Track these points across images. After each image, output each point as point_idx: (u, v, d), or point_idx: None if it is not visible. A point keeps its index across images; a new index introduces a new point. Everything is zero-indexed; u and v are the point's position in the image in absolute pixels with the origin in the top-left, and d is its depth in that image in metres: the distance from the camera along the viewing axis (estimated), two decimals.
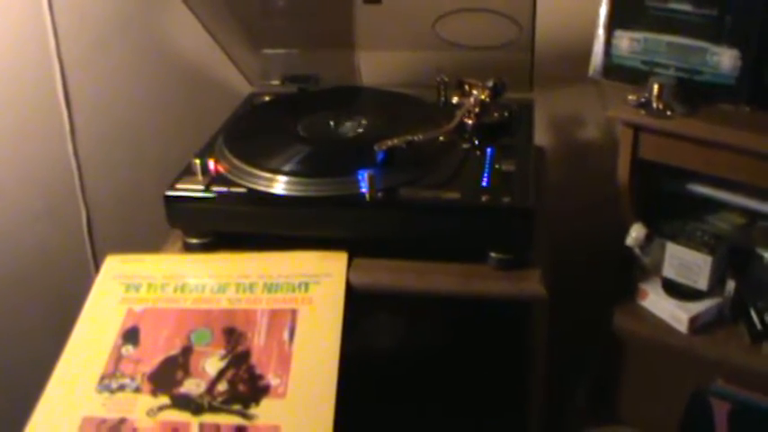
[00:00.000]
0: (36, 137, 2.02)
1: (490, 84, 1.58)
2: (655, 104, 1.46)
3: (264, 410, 1.20)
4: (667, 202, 1.61)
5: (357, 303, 1.34)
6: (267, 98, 1.79)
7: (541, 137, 1.85)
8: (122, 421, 1.21)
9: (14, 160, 2.04)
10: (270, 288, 1.36)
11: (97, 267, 1.71)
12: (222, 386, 1.24)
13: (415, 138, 1.43)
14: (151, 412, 1.21)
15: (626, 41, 1.52)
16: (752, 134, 1.38)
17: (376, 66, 1.84)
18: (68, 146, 2.02)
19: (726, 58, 1.43)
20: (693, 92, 1.47)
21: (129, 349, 1.30)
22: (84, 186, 2.08)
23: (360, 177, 1.36)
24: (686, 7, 1.45)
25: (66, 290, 1.99)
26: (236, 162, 1.45)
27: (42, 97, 1.99)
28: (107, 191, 2.11)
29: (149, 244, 1.51)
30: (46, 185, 2.06)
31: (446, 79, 1.68)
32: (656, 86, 1.46)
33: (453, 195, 1.36)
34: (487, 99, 1.58)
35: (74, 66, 1.98)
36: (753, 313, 1.47)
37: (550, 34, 1.64)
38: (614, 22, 1.53)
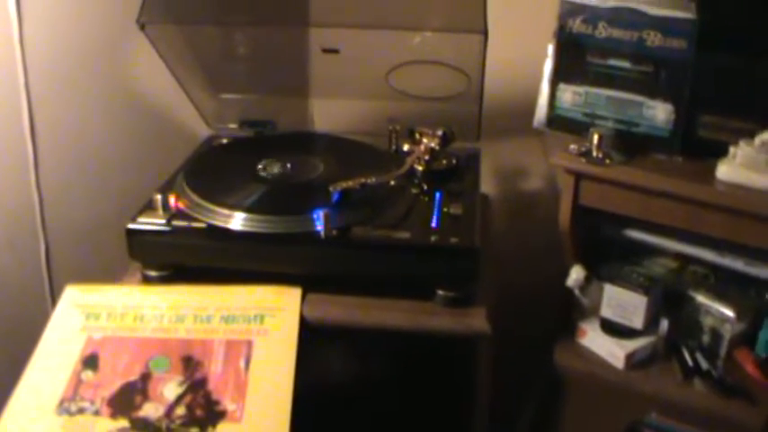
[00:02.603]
0: (0, 167, 2.03)
1: (440, 133, 1.66)
2: (594, 153, 1.54)
3: None
4: (606, 247, 1.68)
5: (310, 336, 1.38)
6: (225, 140, 1.83)
7: (487, 185, 1.91)
8: None
9: None
10: (226, 320, 1.40)
11: (53, 298, 1.73)
12: (180, 410, 1.27)
13: (369, 181, 1.49)
14: None
15: (569, 95, 1.60)
16: (684, 182, 1.47)
17: (330, 113, 1.90)
18: (31, 177, 2.04)
19: (660, 112, 1.51)
20: (631, 142, 1.55)
21: (88, 374, 1.32)
22: (45, 218, 2.09)
23: (315, 216, 1.41)
24: (625, 64, 1.53)
25: (21, 319, 2.00)
26: (197, 199, 1.49)
27: (8, 128, 2.01)
28: (66, 223, 2.13)
29: (106, 277, 1.53)
30: (7, 215, 2.07)
31: (398, 128, 1.75)
32: (595, 137, 1.53)
33: (404, 235, 1.42)
34: (437, 147, 1.65)
35: (41, 100, 2.02)
36: (685, 351, 1.54)
37: (498, 88, 1.71)
38: (559, 77, 1.61)
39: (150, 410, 1.27)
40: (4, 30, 1.95)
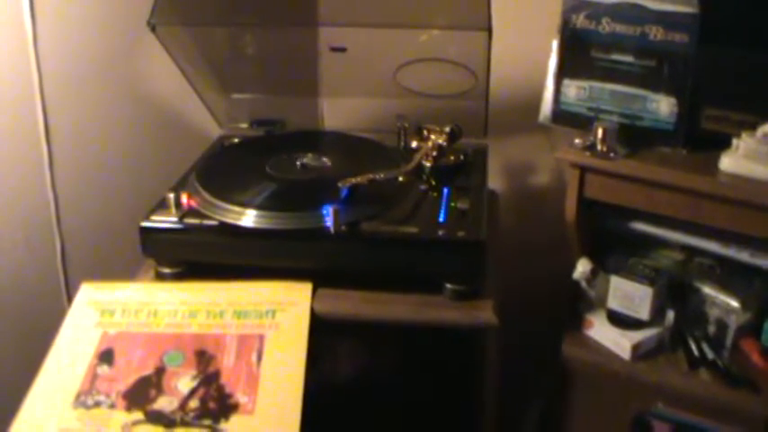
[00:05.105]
0: (16, 168, 2.06)
1: (447, 129, 1.68)
2: (599, 147, 1.55)
3: (234, 426, 1.26)
4: (611, 239, 1.69)
5: (320, 330, 1.40)
6: (236, 140, 1.86)
7: (494, 181, 1.93)
8: None
9: None
10: (239, 314, 1.43)
11: (69, 296, 1.74)
12: (194, 403, 1.29)
13: (377, 176, 1.51)
14: (125, 427, 1.27)
15: (573, 90, 1.62)
16: (688, 174, 1.48)
17: (339, 111, 1.92)
18: (47, 178, 2.07)
19: (664, 105, 1.53)
20: (635, 136, 1.56)
21: (104, 369, 1.35)
22: (60, 217, 2.12)
23: (325, 212, 1.43)
24: (628, 58, 1.55)
25: (37, 316, 2.02)
26: (208, 197, 1.52)
27: (24, 130, 2.04)
28: (81, 222, 2.16)
29: (120, 274, 1.56)
30: (24, 216, 2.10)
31: (406, 125, 1.77)
32: (600, 131, 1.55)
33: (412, 229, 1.44)
34: (444, 143, 1.67)
35: (55, 102, 2.05)
36: (690, 342, 1.56)
37: (504, 84, 1.74)
38: (563, 73, 1.62)
39: (164, 404, 1.30)
40: (18, 33, 1.98)
